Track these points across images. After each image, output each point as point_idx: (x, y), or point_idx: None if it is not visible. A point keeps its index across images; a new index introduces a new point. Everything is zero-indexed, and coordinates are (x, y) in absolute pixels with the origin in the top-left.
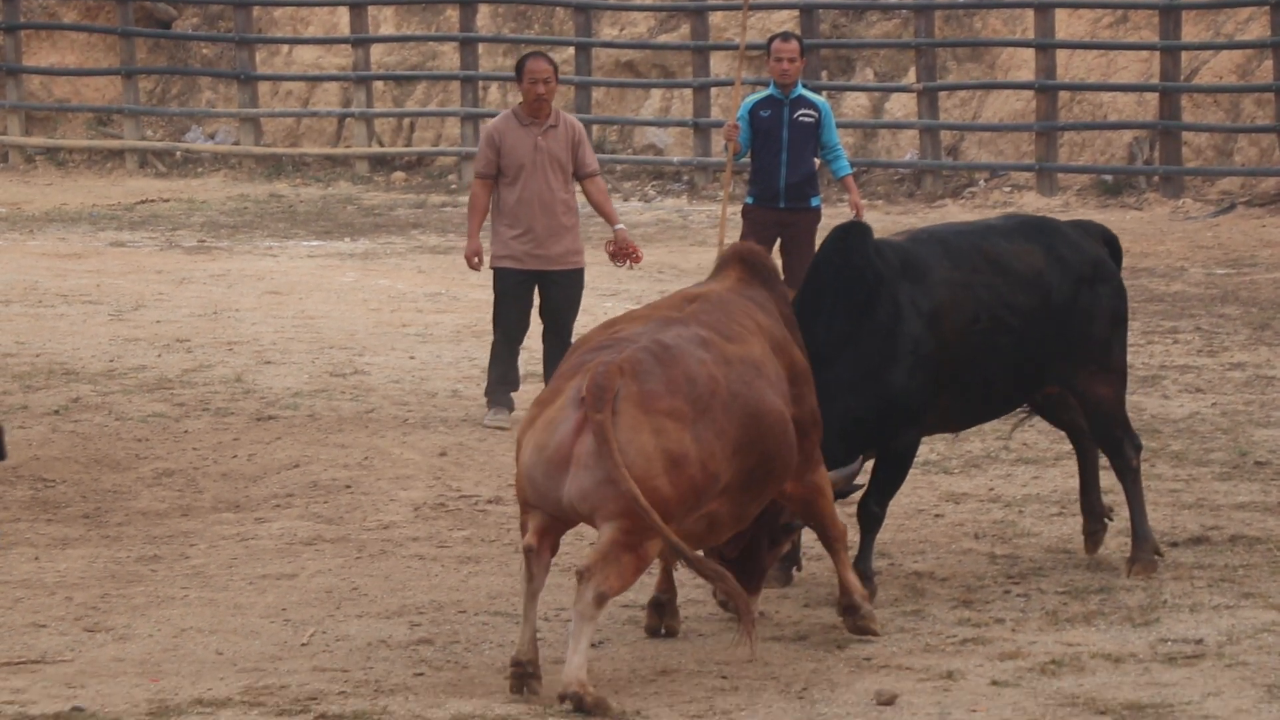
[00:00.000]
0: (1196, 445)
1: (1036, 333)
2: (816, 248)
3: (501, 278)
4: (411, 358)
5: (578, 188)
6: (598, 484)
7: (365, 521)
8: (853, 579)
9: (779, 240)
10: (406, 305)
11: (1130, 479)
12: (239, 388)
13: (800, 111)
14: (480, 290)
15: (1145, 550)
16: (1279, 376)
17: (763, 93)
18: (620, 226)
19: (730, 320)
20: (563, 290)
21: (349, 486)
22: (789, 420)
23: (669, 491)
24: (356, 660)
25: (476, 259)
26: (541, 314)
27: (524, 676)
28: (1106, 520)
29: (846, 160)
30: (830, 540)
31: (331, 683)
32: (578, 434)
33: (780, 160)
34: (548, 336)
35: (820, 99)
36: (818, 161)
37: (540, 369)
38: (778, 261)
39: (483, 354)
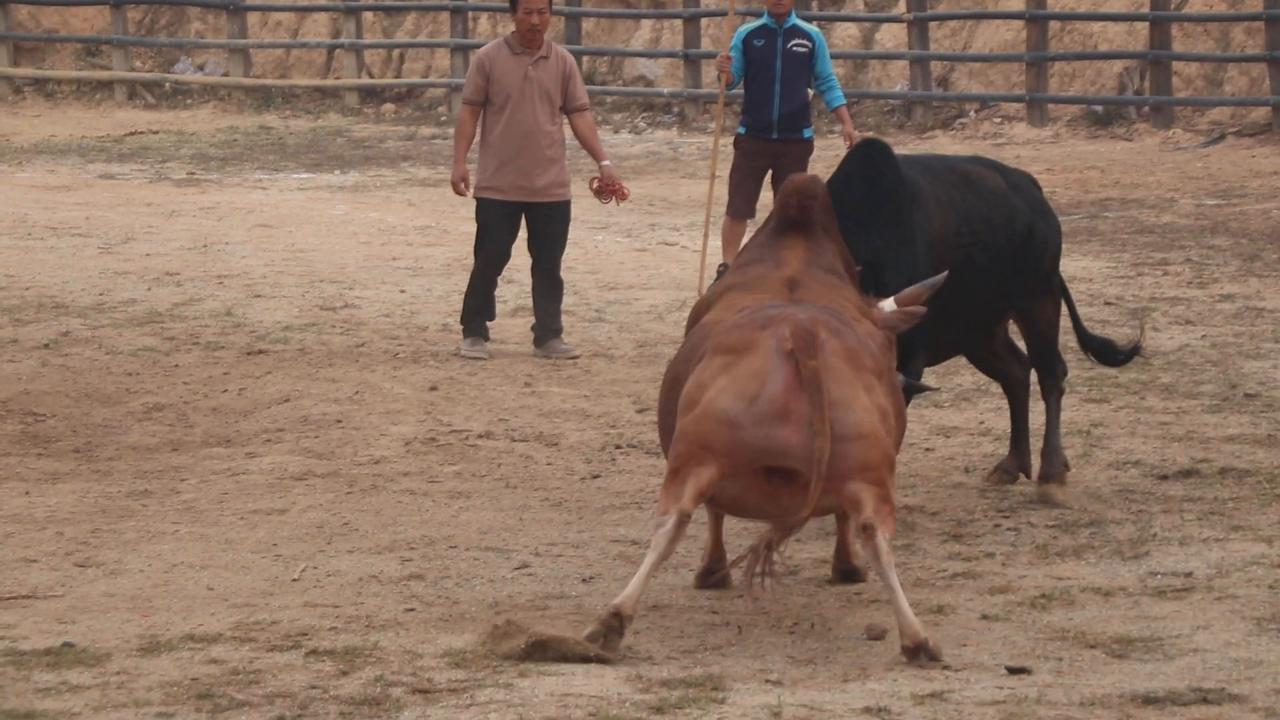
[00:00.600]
0: (1186, 378)
1: (1007, 251)
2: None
3: (485, 208)
4: (402, 291)
5: (566, 121)
6: (837, 441)
7: (356, 456)
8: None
9: (770, 171)
10: (396, 238)
11: (1055, 398)
12: (229, 321)
13: (794, 41)
14: (471, 223)
15: (1055, 464)
16: (1269, 308)
17: (756, 23)
18: (606, 163)
19: (833, 299)
20: (549, 223)
21: (339, 421)
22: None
23: (889, 447)
24: (347, 596)
25: (463, 184)
26: (529, 247)
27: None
28: (1023, 475)
29: (840, 91)
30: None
31: (322, 618)
32: (793, 386)
33: (774, 91)
34: (536, 270)
35: (814, 29)
36: (811, 92)
37: (530, 302)
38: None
39: None
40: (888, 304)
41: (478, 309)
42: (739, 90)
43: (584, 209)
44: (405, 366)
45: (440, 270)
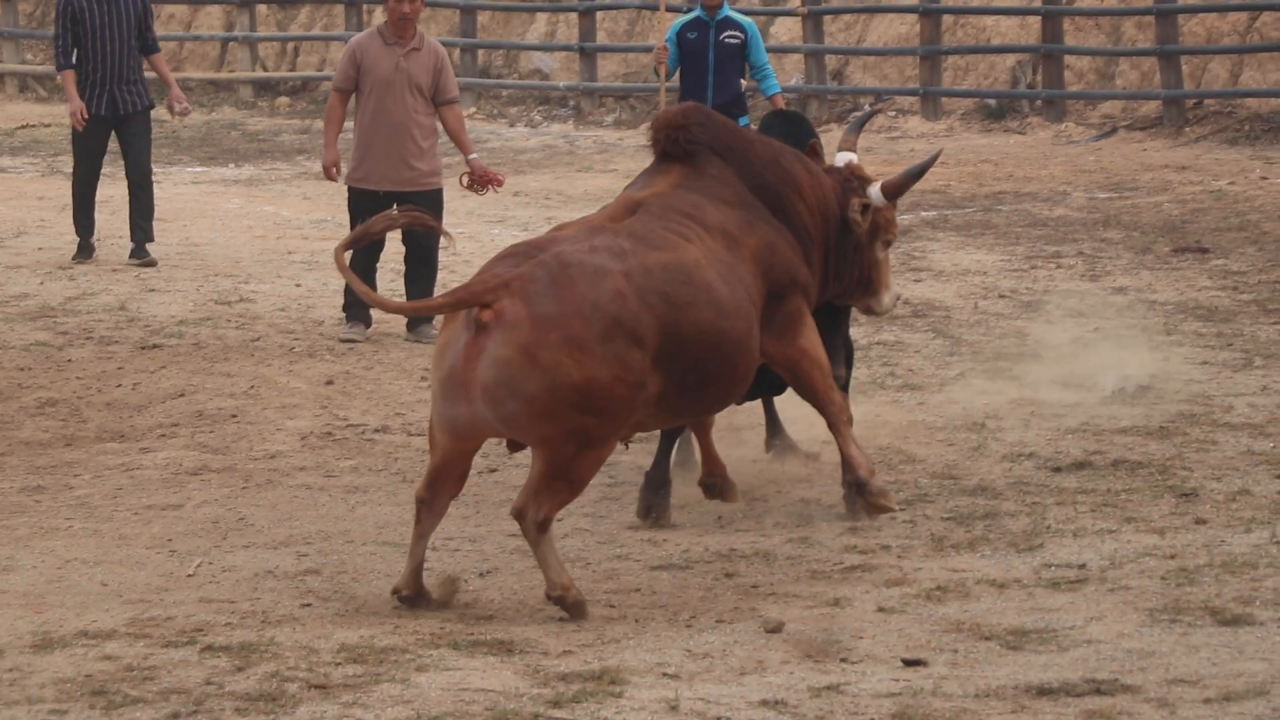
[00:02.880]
0: (1079, 370)
1: None
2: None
3: (356, 198)
4: (297, 285)
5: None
6: (506, 416)
7: (251, 451)
8: (857, 454)
9: None
10: (292, 232)
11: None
12: (123, 316)
13: (726, 33)
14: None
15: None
16: (1160, 300)
17: (690, 15)
18: (474, 156)
19: (665, 226)
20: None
21: (235, 416)
22: (738, 310)
23: (587, 420)
24: (243, 591)
25: (334, 169)
26: (402, 236)
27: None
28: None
29: (775, 80)
30: (827, 415)
31: (218, 614)
32: (472, 358)
33: (707, 82)
34: (409, 258)
35: (747, 20)
36: (745, 82)
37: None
38: None
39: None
40: (874, 189)
41: (357, 298)
42: (675, 82)
43: (481, 203)
44: (301, 361)
45: (335, 264)
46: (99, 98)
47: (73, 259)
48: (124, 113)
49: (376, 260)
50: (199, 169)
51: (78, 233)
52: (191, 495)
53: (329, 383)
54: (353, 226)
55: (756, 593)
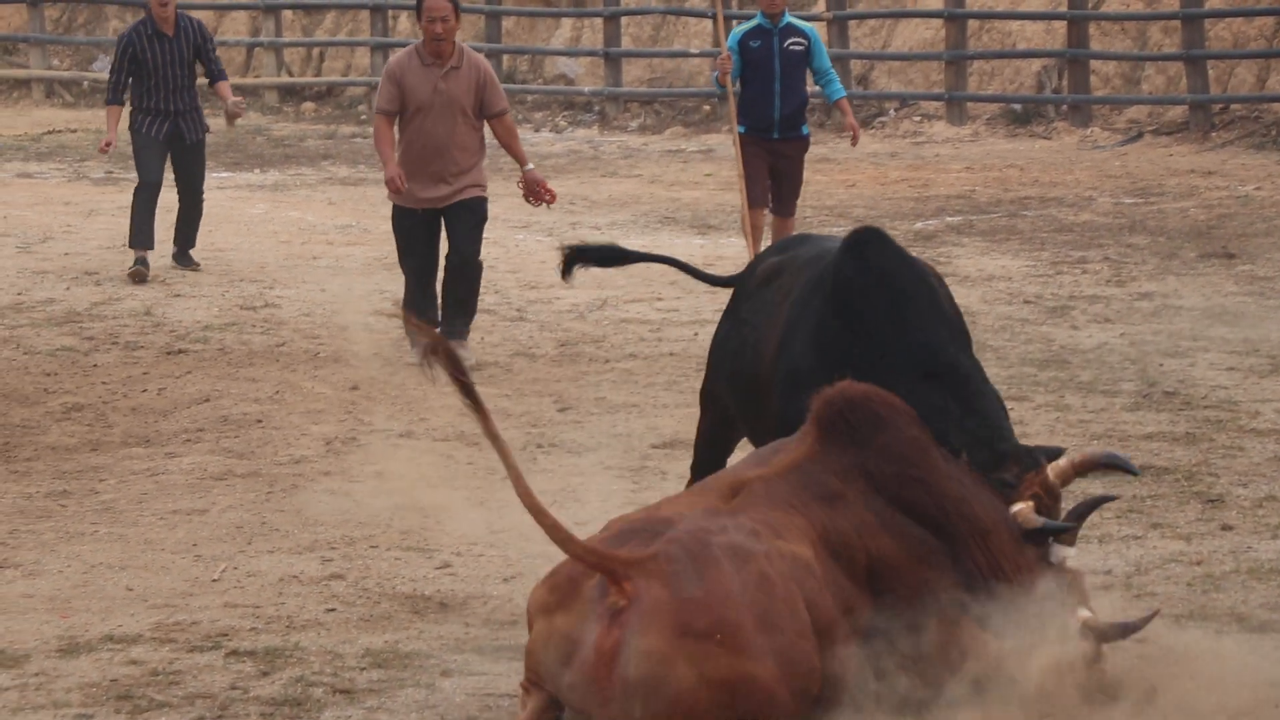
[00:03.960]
0: (1105, 375)
1: None
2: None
3: (399, 216)
4: (322, 290)
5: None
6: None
7: (276, 456)
8: None
9: (769, 167)
10: (317, 237)
11: None
12: (148, 321)
13: (790, 40)
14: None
15: None
16: (1186, 306)
17: (750, 23)
18: (529, 167)
19: (777, 514)
20: (460, 217)
21: (260, 421)
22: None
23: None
24: (268, 596)
25: (400, 179)
26: (448, 238)
27: None
28: None
29: (839, 83)
30: None
31: (243, 619)
32: (606, 656)
33: (774, 91)
34: (450, 259)
35: (809, 26)
36: (810, 88)
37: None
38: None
39: (394, 286)
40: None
41: (420, 308)
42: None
43: (506, 208)
44: (326, 366)
45: (361, 269)
46: (160, 126)
47: (130, 273)
48: (186, 142)
49: (433, 280)
50: (224, 174)
51: (135, 245)
52: (216, 500)
53: (354, 388)
54: (400, 246)
55: None
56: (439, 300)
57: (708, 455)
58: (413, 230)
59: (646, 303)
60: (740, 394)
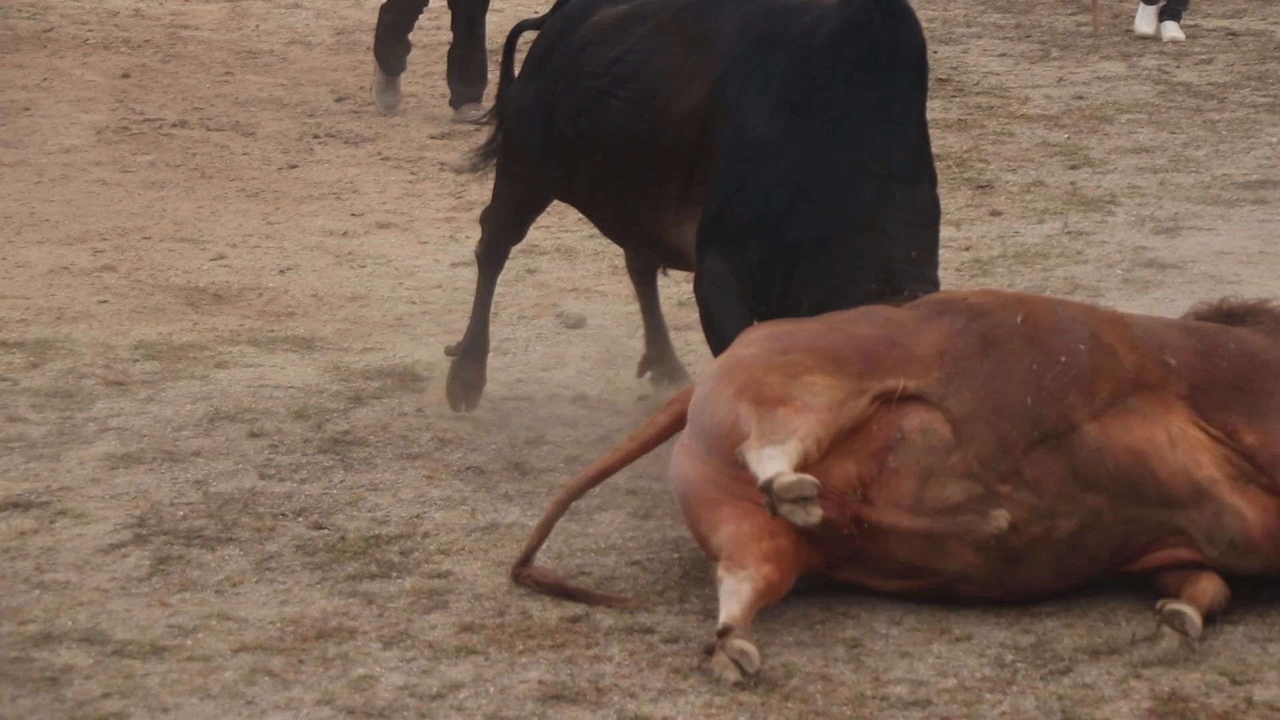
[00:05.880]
0: None
1: None
2: None
3: None
4: None
5: None
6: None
7: (45, 145)
8: None
9: None
10: None
11: None
12: None
13: None
14: None
15: None
16: None
17: None
18: None
19: None
20: None
21: (27, 109)
22: None
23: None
24: (37, 288)
25: None
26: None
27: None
28: None
29: None
30: None
31: (11, 310)
32: None
33: None
34: (457, 23)
35: None
36: None
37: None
38: None
39: None
40: None
41: (389, 43)
42: None
43: None
44: (96, 53)
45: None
46: None
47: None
48: None
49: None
50: None
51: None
52: None
53: (125, 75)
54: None
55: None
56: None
57: (515, 222)
58: None
59: None
60: (601, 164)
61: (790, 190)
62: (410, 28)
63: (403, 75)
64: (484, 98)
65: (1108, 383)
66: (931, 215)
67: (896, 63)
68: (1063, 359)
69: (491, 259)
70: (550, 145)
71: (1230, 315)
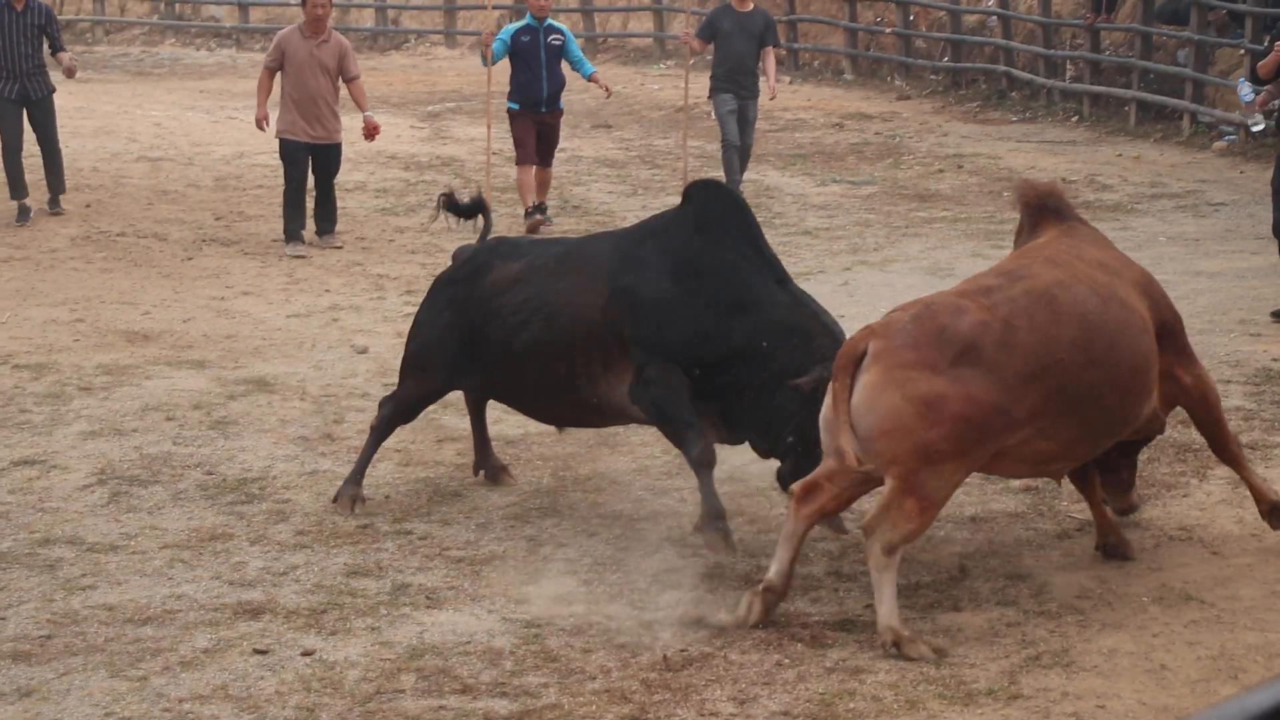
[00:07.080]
0: None
1: None
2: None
3: (286, 146)
4: None
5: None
6: (863, 439)
7: (40, 247)
8: (1260, 483)
9: (538, 132)
10: None
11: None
12: None
13: (551, 37)
14: None
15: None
16: None
17: (521, 22)
18: (368, 114)
19: (1029, 261)
20: (326, 155)
21: (27, 225)
22: (1109, 324)
23: (931, 435)
24: (37, 332)
25: (264, 122)
26: (314, 171)
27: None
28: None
29: (589, 64)
30: (1225, 445)
31: (21, 345)
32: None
33: (541, 76)
34: (318, 186)
35: (562, 25)
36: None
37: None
38: None
39: None
40: None
41: (293, 218)
42: (496, 68)
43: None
44: (70, 193)
45: None
46: (11, 87)
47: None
48: (33, 98)
49: (304, 194)
50: None
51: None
52: None
53: (88, 206)
54: (286, 166)
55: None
56: (314, 210)
57: (410, 413)
58: (291, 155)
59: None
60: (532, 369)
61: (692, 318)
62: (302, 204)
63: (302, 230)
64: (335, 232)
65: None
66: (805, 296)
67: (734, 216)
68: None
69: (382, 433)
70: (471, 362)
71: None
